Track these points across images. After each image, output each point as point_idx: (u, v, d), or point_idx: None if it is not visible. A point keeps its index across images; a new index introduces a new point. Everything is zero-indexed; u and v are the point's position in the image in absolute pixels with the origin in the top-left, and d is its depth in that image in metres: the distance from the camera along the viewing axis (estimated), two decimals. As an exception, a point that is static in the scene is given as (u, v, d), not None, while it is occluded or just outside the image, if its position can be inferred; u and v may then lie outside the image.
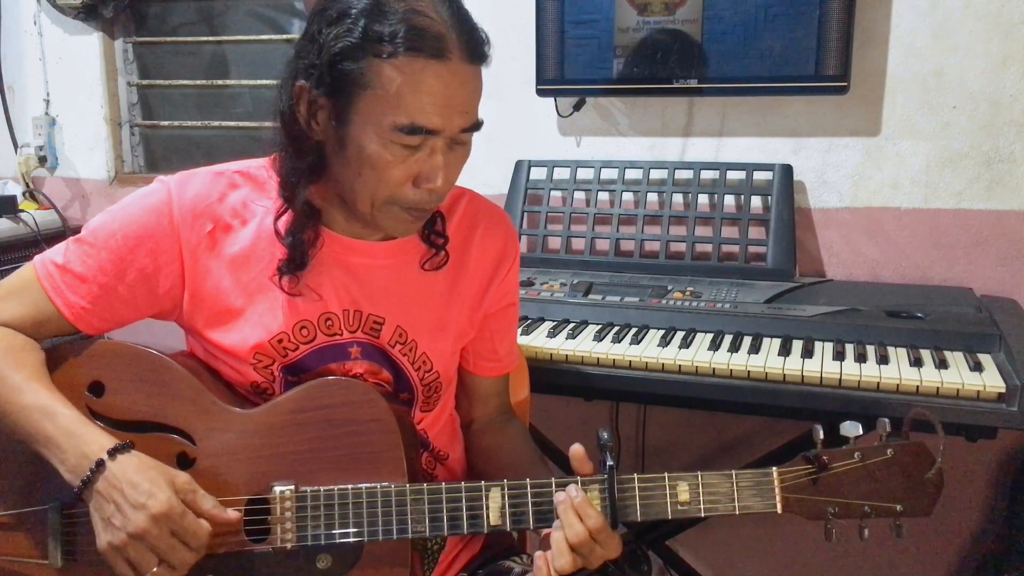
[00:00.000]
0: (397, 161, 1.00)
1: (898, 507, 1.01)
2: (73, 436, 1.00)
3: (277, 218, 1.09)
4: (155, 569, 0.97)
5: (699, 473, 1.02)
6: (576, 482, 1.02)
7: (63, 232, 2.49)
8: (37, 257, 1.11)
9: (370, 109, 0.98)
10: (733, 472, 1.02)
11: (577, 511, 0.99)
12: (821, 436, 1.02)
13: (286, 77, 1.04)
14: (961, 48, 1.81)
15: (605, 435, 1.03)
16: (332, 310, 1.12)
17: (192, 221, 1.08)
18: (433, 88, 0.97)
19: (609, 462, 1.01)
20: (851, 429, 1.01)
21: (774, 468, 1.02)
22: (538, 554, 1.03)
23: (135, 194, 1.11)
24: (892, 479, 1.00)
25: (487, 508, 1.03)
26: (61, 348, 1.10)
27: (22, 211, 2.46)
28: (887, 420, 1.02)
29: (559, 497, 1.01)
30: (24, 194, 2.59)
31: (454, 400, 1.29)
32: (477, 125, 1.04)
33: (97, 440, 1.00)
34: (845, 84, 1.80)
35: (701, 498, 1.02)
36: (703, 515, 1.02)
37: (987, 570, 1.93)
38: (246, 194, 1.11)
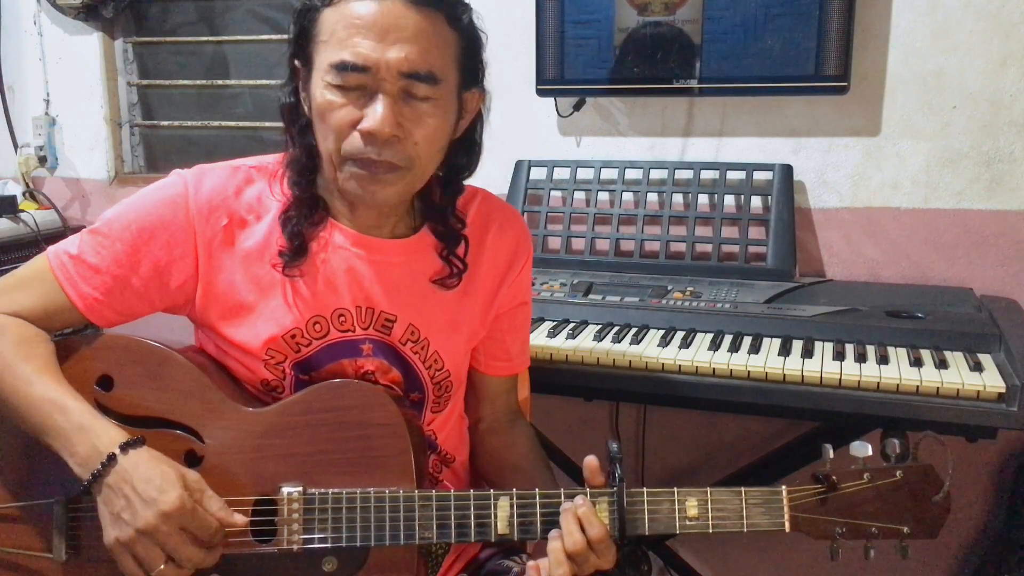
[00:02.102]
0: (338, 105, 1.00)
1: (905, 529, 1.00)
2: (84, 429, 0.99)
3: (283, 211, 1.09)
4: (162, 567, 0.96)
5: (708, 489, 1.02)
6: (585, 493, 1.02)
7: (63, 232, 2.49)
8: (50, 248, 1.10)
9: (319, 57, 1.02)
10: (743, 489, 1.01)
11: (580, 520, 1.00)
12: (831, 455, 1.01)
13: (287, 62, 1.09)
14: (961, 48, 1.81)
15: (615, 446, 1.03)
16: (345, 306, 1.12)
17: (208, 215, 1.08)
18: (362, 22, 0.98)
19: (619, 474, 1.01)
20: (860, 449, 1.01)
21: (783, 487, 1.01)
22: (531, 564, 1.03)
23: (151, 186, 1.11)
24: (900, 501, 1.00)
25: (495, 517, 1.02)
26: (70, 341, 1.10)
27: (22, 211, 2.46)
28: (896, 441, 1.02)
29: (564, 505, 1.01)
30: (24, 194, 2.59)
31: (463, 401, 1.29)
32: (425, 75, 1.00)
33: (108, 434, 0.99)
34: (845, 84, 1.81)
35: (710, 514, 1.01)
36: (711, 531, 1.01)
37: (987, 570, 1.93)
38: (261, 189, 1.12)
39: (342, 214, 1.12)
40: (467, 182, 1.22)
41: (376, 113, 0.99)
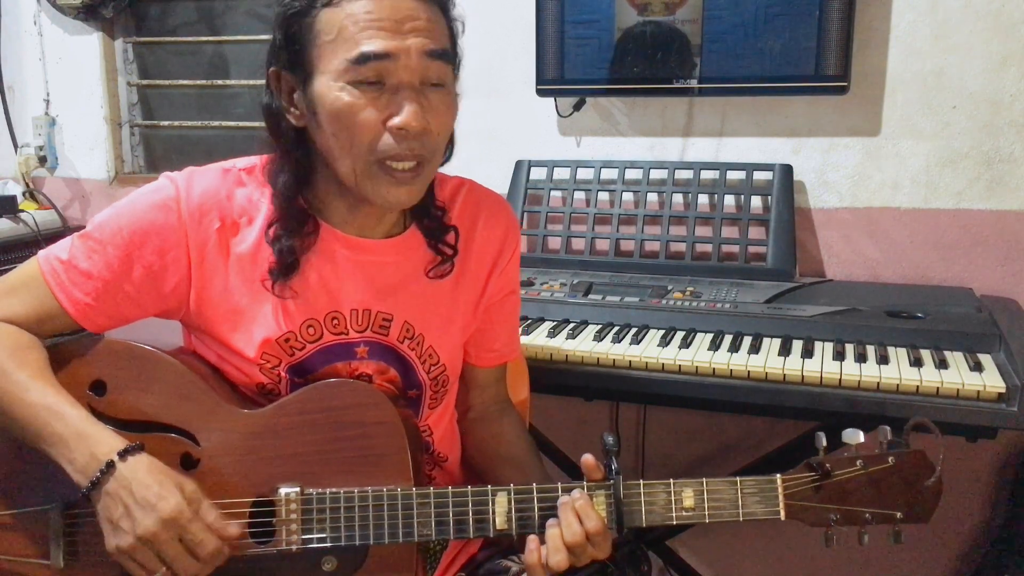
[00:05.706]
0: (362, 104, 0.97)
1: (898, 514, 1.02)
2: (82, 436, 0.99)
3: (269, 225, 1.07)
4: (164, 570, 0.96)
5: (704, 480, 1.02)
6: (582, 487, 1.03)
7: (63, 232, 2.49)
8: (41, 252, 1.10)
9: (325, 59, 0.98)
10: (738, 479, 1.02)
11: (577, 512, 1.00)
12: (824, 443, 1.02)
13: (265, 72, 1.06)
14: (961, 48, 1.81)
15: (610, 439, 1.04)
16: (339, 309, 1.11)
17: (200, 218, 1.07)
18: (374, 15, 0.97)
19: (615, 467, 1.02)
20: (852, 436, 1.02)
21: (778, 475, 1.02)
22: (532, 537, 1.03)
23: (142, 190, 1.10)
24: (893, 486, 1.01)
25: (493, 512, 1.03)
26: (62, 346, 1.09)
27: (22, 211, 2.46)
28: (888, 428, 1.02)
29: (562, 499, 1.02)
30: (24, 194, 2.59)
31: (455, 397, 1.29)
32: (443, 53, 1.00)
33: (107, 441, 0.99)
34: (845, 84, 1.81)
35: (706, 504, 1.02)
36: (707, 521, 1.02)
37: (987, 570, 1.93)
38: (252, 191, 1.10)
39: (337, 218, 1.10)
40: (463, 177, 1.22)
41: (408, 107, 0.98)
